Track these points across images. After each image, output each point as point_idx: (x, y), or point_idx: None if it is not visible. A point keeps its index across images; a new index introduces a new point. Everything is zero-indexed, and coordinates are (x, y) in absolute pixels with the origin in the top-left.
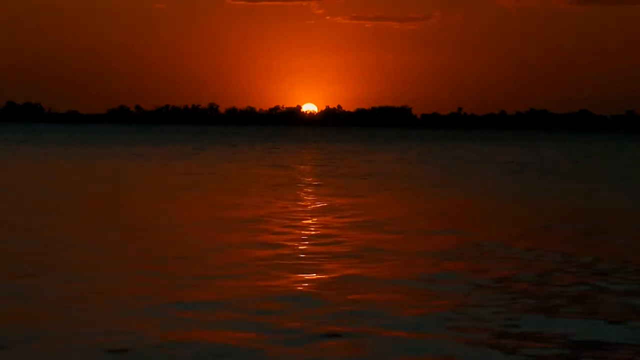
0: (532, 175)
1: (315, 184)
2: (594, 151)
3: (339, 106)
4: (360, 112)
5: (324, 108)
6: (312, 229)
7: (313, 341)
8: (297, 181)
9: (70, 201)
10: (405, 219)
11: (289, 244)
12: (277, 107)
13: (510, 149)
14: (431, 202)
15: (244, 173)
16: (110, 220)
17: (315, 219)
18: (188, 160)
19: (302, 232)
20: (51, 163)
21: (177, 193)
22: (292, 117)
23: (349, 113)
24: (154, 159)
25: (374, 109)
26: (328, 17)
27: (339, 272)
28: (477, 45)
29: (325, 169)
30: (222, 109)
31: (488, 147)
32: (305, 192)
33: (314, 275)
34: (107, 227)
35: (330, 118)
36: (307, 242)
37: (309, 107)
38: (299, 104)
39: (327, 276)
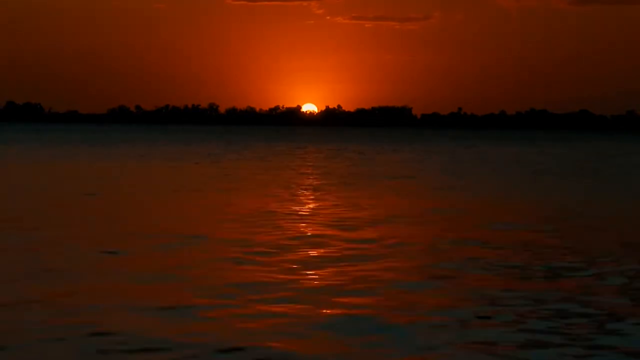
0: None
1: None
2: (608, 152)
3: (339, 106)
4: (360, 112)
5: (324, 108)
6: None
7: None
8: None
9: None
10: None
11: None
12: (277, 107)
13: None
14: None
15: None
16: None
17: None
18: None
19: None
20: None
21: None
22: (292, 117)
23: (349, 113)
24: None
25: (374, 109)
26: (328, 17)
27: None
28: (477, 45)
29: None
30: (222, 109)
31: (519, 148)
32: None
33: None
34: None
35: (330, 118)
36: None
37: (309, 107)
38: (299, 104)
39: None
